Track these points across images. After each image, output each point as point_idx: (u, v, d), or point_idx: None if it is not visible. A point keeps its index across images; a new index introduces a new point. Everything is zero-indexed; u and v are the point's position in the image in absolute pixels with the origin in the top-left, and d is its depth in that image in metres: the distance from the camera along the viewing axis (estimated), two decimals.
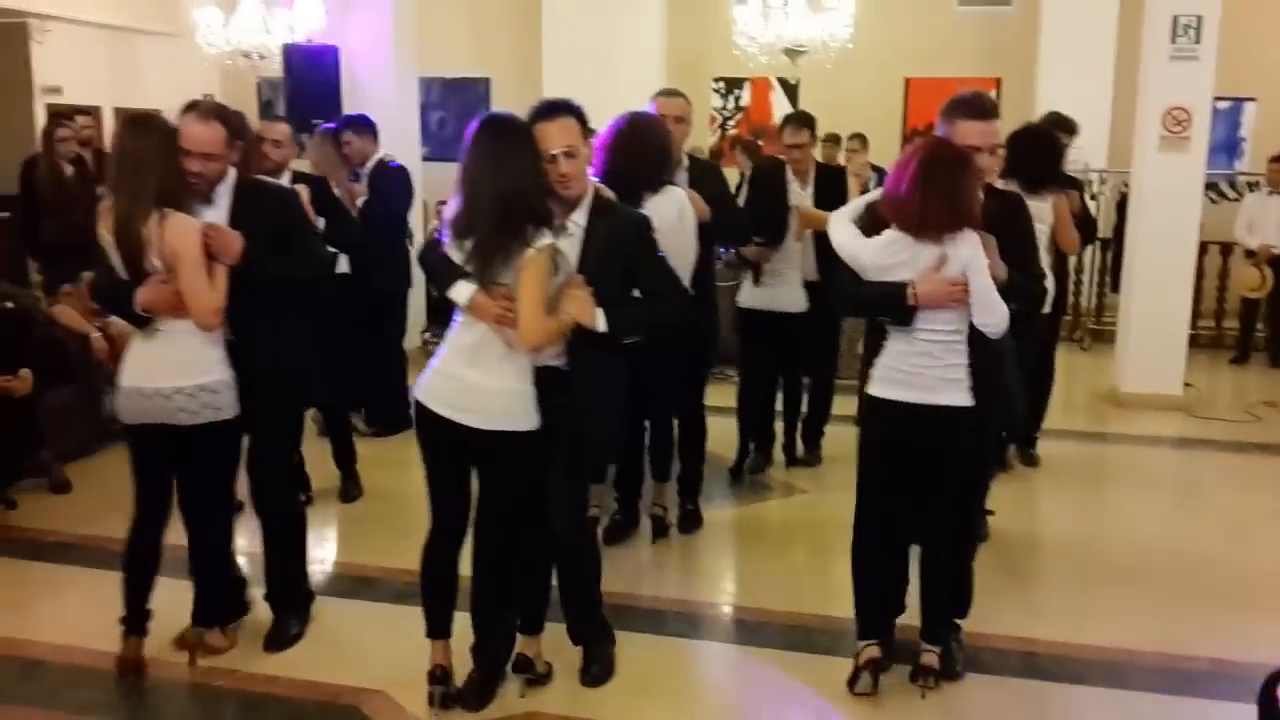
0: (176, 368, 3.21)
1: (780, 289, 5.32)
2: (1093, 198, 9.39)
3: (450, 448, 3.12)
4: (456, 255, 3.01)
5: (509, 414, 3.04)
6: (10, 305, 5.33)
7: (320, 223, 4.69)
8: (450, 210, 3.04)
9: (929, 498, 3.27)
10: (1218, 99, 7.42)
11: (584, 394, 3.09)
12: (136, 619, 3.40)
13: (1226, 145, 10.65)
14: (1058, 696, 3.40)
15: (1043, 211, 4.75)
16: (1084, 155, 9.98)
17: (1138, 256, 7.15)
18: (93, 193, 6.88)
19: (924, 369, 3.15)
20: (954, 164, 3.06)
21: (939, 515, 3.30)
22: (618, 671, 3.46)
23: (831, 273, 3.50)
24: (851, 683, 3.33)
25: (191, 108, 3.37)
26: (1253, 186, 9.22)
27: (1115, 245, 8.80)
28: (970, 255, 3.06)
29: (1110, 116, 10.13)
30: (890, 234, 3.13)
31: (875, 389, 3.24)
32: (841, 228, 3.28)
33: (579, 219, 3.16)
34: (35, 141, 7.26)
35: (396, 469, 5.44)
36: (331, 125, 5.94)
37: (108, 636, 3.53)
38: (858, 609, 3.41)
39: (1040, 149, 4.91)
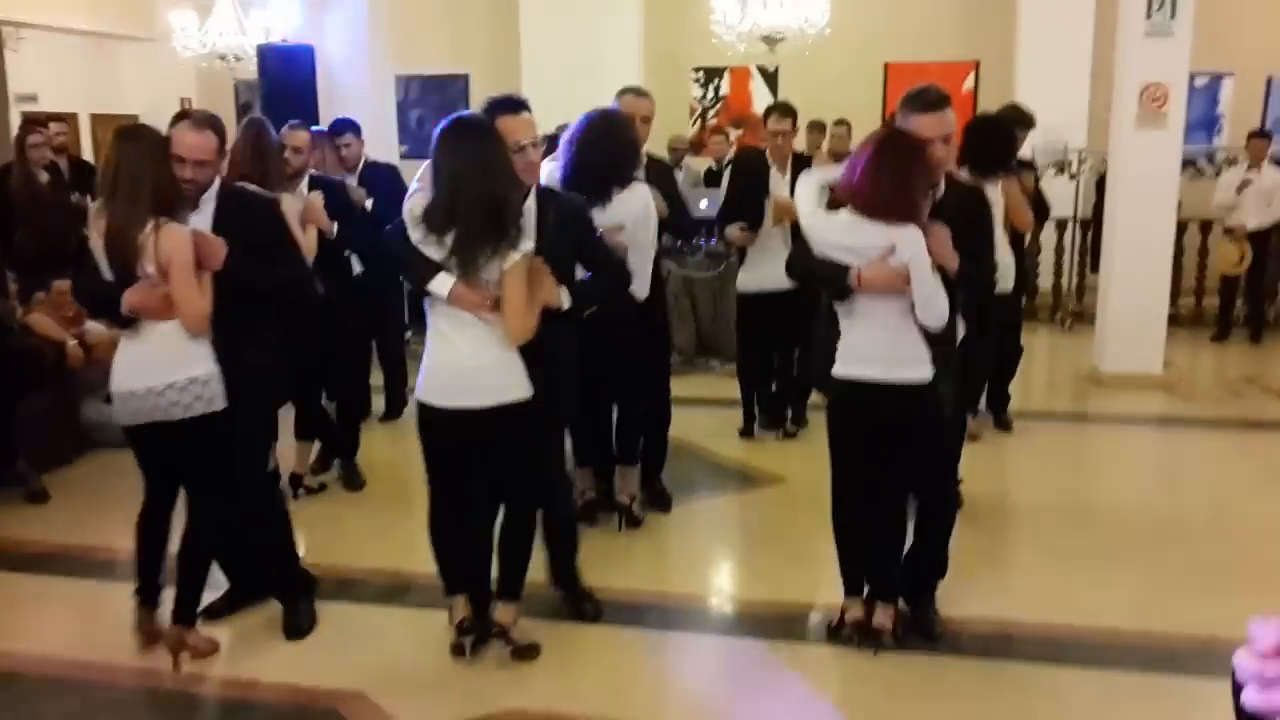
0: (165, 364, 3.26)
1: (769, 269, 5.41)
2: (1071, 177, 9.42)
3: (460, 441, 3.31)
4: (433, 250, 3.12)
5: (510, 384, 3.23)
6: None
7: (334, 226, 4.90)
8: (419, 204, 3.14)
9: (897, 466, 3.42)
10: (1195, 75, 7.42)
11: (551, 365, 3.34)
12: (149, 590, 3.53)
13: (1205, 121, 10.66)
14: (1039, 677, 3.39)
15: (993, 194, 4.89)
16: (1063, 136, 10.03)
17: (1117, 235, 7.15)
18: (67, 200, 6.86)
19: (882, 347, 3.29)
20: (906, 152, 3.21)
21: (904, 482, 3.49)
22: (600, 664, 3.47)
23: None
24: (835, 630, 3.55)
25: (182, 116, 3.46)
26: (1231, 162, 9.22)
27: (1095, 225, 8.81)
28: (914, 251, 3.17)
29: (1089, 96, 10.13)
30: (844, 214, 3.27)
31: (838, 369, 3.37)
32: (808, 196, 3.47)
33: (529, 205, 3.34)
34: (10, 150, 7.21)
35: (376, 468, 5.43)
36: (322, 129, 5.91)
37: (87, 646, 3.54)
38: (841, 569, 3.60)
39: (993, 137, 5.09)
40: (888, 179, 3.17)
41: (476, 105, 3.51)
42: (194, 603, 3.51)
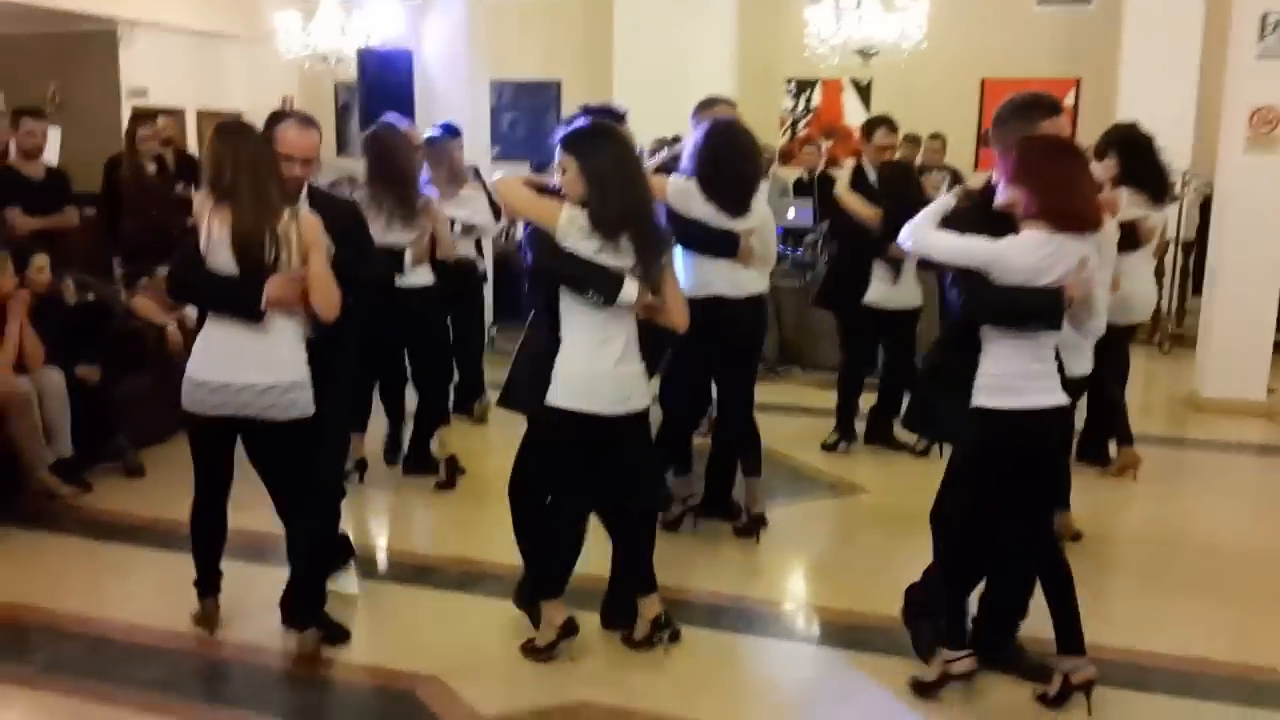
0: (270, 363, 3.26)
1: (904, 287, 5.63)
2: (1174, 199, 9.13)
3: (604, 445, 3.37)
4: (610, 258, 3.19)
5: (645, 392, 3.40)
6: (92, 297, 5.51)
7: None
8: (576, 215, 3.17)
9: (1041, 501, 3.28)
10: None
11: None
12: (207, 580, 3.59)
13: None
14: (1127, 703, 3.28)
15: (1158, 220, 5.18)
16: (1167, 157, 9.73)
17: (1222, 259, 6.93)
18: (172, 191, 7.09)
19: (1043, 371, 3.08)
20: (1078, 156, 3.10)
21: (1046, 517, 3.35)
22: (674, 664, 3.46)
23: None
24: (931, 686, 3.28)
25: (280, 116, 3.54)
26: None
27: (1198, 247, 8.54)
28: (1099, 259, 3.10)
29: (1195, 117, 9.84)
30: (1036, 234, 2.98)
31: (991, 400, 3.07)
32: (938, 233, 3.11)
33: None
34: (121, 142, 7.48)
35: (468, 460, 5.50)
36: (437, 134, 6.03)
37: (175, 616, 3.63)
38: (955, 617, 3.29)
39: (1156, 157, 5.25)
40: (1077, 187, 3.00)
41: (570, 111, 3.58)
42: (317, 604, 3.54)
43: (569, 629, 3.45)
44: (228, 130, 3.32)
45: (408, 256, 4.92)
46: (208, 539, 3.55)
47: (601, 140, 3.27)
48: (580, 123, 3.38)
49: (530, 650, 3.46)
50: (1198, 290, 8.07)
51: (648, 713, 3.20)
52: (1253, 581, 4.25)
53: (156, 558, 4.30)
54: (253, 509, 3.62)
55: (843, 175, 5.54)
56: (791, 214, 8.18)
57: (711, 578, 4.20)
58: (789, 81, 11.67)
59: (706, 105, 4.65)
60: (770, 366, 7.67)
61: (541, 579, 3.49)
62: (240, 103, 11.79)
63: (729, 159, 4.20)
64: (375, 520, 4.99)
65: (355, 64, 8.95)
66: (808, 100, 11.72)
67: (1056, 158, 3.01)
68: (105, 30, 10.70)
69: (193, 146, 10.32)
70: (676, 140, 4.89)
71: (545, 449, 3.37)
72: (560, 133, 3.33)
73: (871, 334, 5.79)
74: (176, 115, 9.39)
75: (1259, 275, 6.78)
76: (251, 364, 3.25)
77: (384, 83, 8.62)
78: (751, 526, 4.55)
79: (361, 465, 5.24)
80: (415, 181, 5.03)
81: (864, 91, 11.35)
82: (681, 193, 4.18)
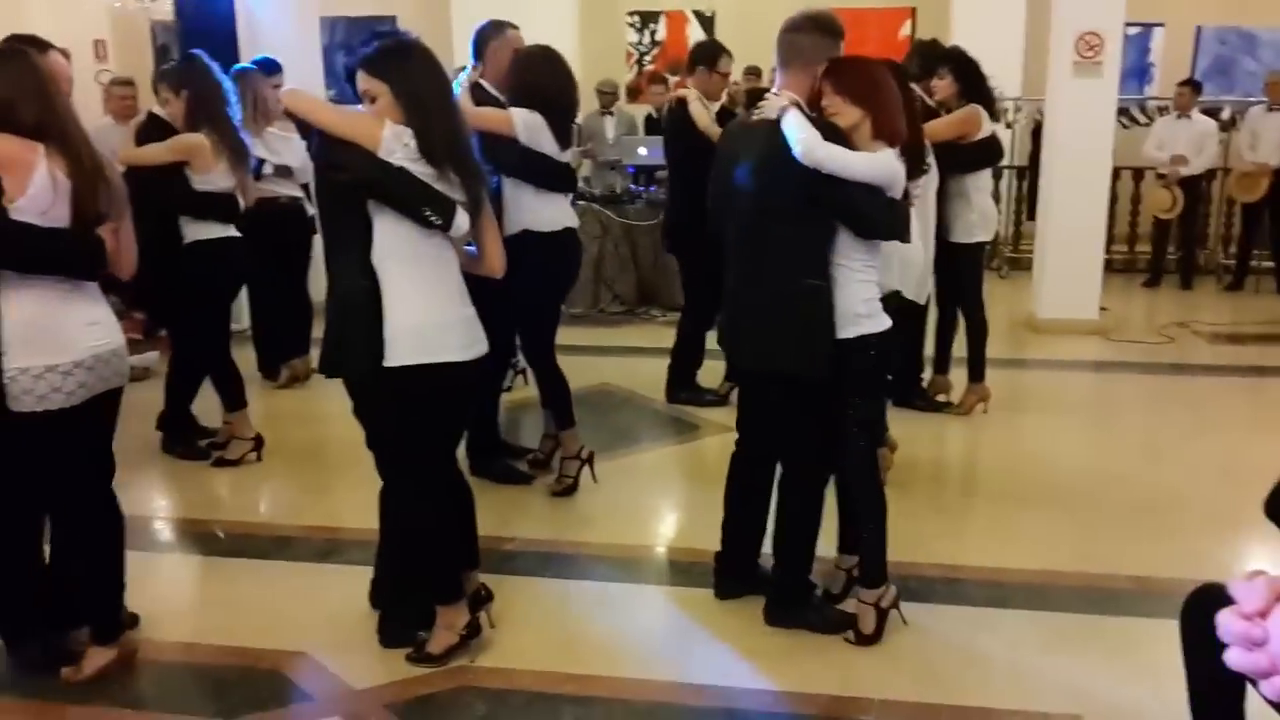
0: (113, 325, 3.09)
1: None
2: (1008, 125, 9.44)
3: (464, 395, 3.13)
4: (443, 187, 2.87)
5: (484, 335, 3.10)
6: None
7: None
8: (404, 130, 2.82)
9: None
10: (1127, 24, 7.45)
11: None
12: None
13: (1136, 71, 10.76)
14: (983, 620, 3.41)
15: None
16: (998, 84, 10.01)
17: (1053, 183, 7.20)
18: None
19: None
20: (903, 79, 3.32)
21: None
22: (546, 620, 3.42)
23: None
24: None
25: (32, 40, 3.11)
26: (1162, 111, 9.33)
27: (1031, 173, 8.87)
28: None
29: (1024, 44, 10.15)
30: (889, 151, 3.06)
31: (871, 326, 3.11)
32: (835, 147, 2.97)
33: None
34: None
35: (307, 424, 5.29)
36: (250, 67, 5.69)
37: None
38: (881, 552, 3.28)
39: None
40: (903, 108, 3.19)
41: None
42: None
43: (473, 631, 3.17)
44: (13, 54, 2.88)
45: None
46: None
47: (416, 60, 2.89)
48: (385, 41, 2.93)
49: (422, 659, 3.13)
50: (1031, 215, 8.39)
51: (526, 670, 3.15)
52: (1095, 493, 4.47)
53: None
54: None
55: (695, 104, 5.21)
56: (643, 151, 8.09)
57: (576, 527, 4.17)
58: (631, 14, 11.52)
59: (496, 30, 4.30)
60: (629, 308, 7.65)
61: (441, 576, 3.15)
62: None
63: (565, 89, 4.16)
64: (226, 492, 4.76)
65: (172, 1, 8.37)
66: (652, 34, 11.59)
67: (891, 81, 3.12)
68: None
69: None
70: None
71: (394, 414, 2.97)
72: (358, 54, 2.88)
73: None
74: None
75: (1089, 198, 7.07)
76: (101, 329, 2.95)
77: (204, 21, 8.08)
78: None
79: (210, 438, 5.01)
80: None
81: (708, 23, 11.30)
82: (531, 126, 4.05)
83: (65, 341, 2.84)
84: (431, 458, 3.12)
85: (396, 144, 2.81)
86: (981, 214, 5.11)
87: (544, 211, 4.20)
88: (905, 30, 11.08)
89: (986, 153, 5.08)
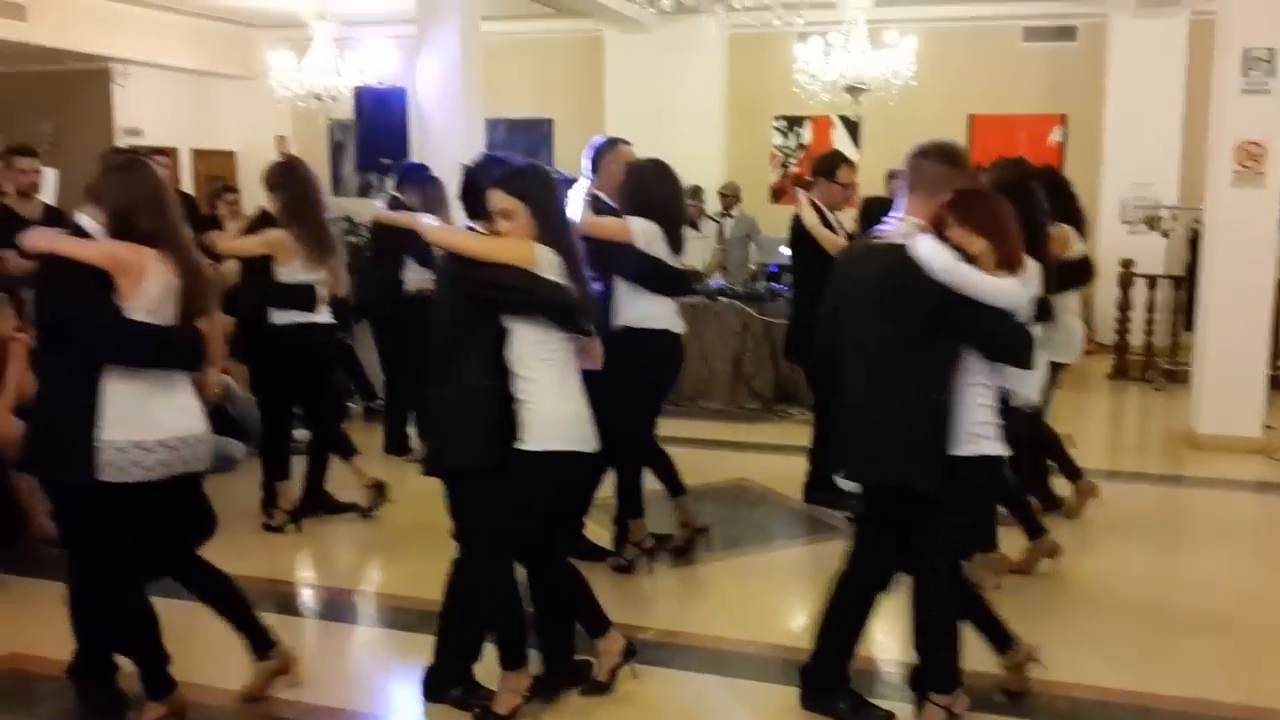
0: (197, 412, 3.38)
1: None
2: (1164, 234, 9.24)
3: (585, 481, 3.56)
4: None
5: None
6: None
7: None
8: (549, 252, 3.16)
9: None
10: None
11: None
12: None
13: None
14: None
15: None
16: (1153, 191, 9.85)
17: (1212, 294, 6.98)
18: None
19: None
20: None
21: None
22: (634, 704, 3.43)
23: None
24: None
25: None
26: None
27: (1188, 283, 8.61)
28: None
29: (1181, 152, 9.97)
30: (1011, 278, 3.11)
31: (990, 447, 3.16)
32: (968, 267, 3.06)
33: None
34: None
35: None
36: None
37: (179, 663, 3.58)
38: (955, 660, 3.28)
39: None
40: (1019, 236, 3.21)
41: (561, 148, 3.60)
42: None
43: (534, 689, 3.35)
44: (132, 165, 3.26)
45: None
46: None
47: (545, 180, 3.26)
48: (517, 164, 3.29)
49: (488, 718, 3.28)
50: (1189, 326, 8.12)
51: None
52: (1255, 621, 4.25)
53: (157, 605, 4.24)
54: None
55: (806, 211, 5.30)
56: (786, 251, 8.20)
57: (697, 620, 4.19)
58: (778, 118, 11.78)
59: (610, 146, 4.57)
60: (767, 405, 7.69)
61: (511, 645, 3.32)
62: (234, 141, 11.84)
63: (675, 199, 4.53)
64: (319, 559, 4.97)
65: (349, 102, 9.00)
66: (798, 138, 11.82)
67: (1008, 212, 3.17)
68: (99, 69, 10.76)
69: (188, 185, 10.35)
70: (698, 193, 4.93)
71: (526, 498, 3.22)
72: (490, 175, 3.22)
73: None
74: (171, 154, 9.41)
75: (1250, 310, 6.82)
76: (187, 415, 3.23)
77: (379, 121, 8.68)
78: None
79: (296, 513, 5.29)
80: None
81: (853, 128, 11.45)
82: (647, 234, 4.31)
83: (153, 422, 3.11)
84: (526, 545, 3.33)
85: (546, 261, 3.13)
86: (1066, 333, 4.96)
87: (651, 311, 4.42)
88: (1056, 136, 11.00)
89: (1076, 273, 4.94)
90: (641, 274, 4.32)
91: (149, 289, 3.08)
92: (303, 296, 5.05)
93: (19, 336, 4.85)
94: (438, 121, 8.22)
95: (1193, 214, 8.77)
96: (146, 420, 3.08)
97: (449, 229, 3.39)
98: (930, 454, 3.08)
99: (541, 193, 3.20)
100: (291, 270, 5.00)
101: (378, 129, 8.53)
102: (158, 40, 10.80)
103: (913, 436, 3.10)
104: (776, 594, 4.59)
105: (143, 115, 11.21)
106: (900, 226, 3.18)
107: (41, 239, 3.11)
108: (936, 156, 3.24)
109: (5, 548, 4.59)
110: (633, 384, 4.31)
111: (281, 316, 5.06)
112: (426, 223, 3.50)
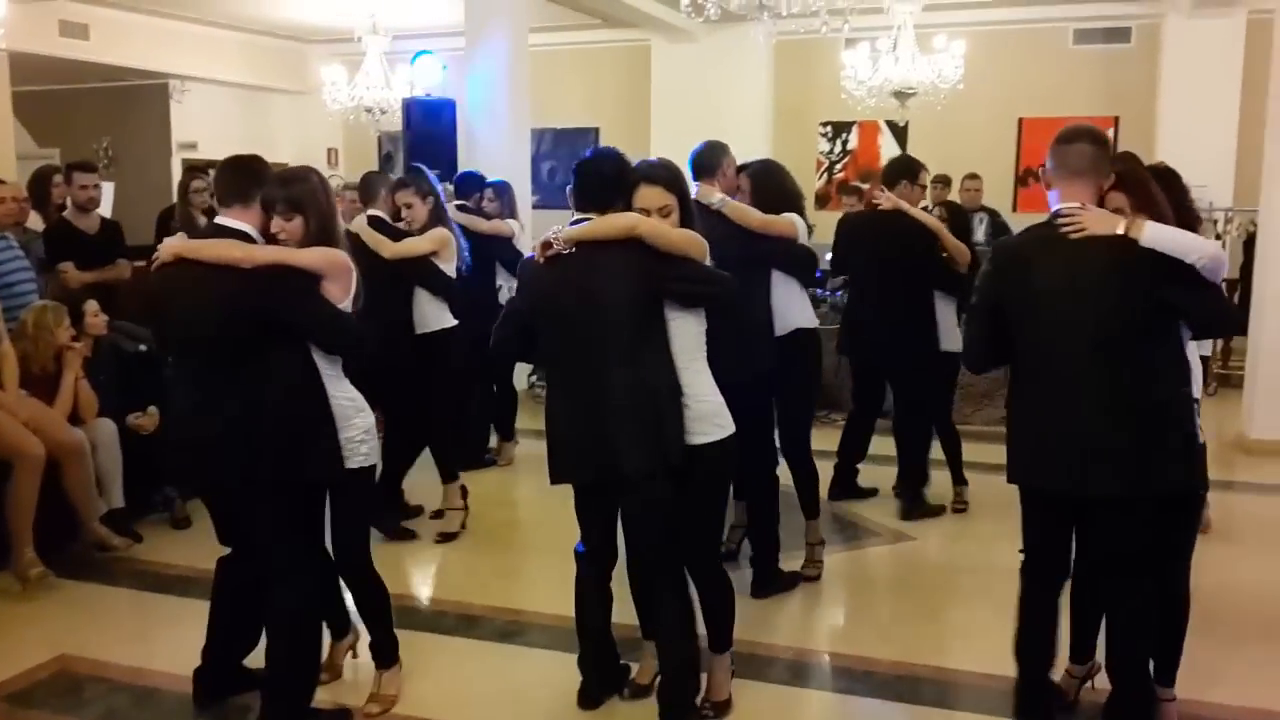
0: None
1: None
2: (1218, 237, 9.05)
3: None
4: None
5: None
6: (143, 348, 5.62)
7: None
8: None
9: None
10: None
11: None
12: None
13: None
14: None
15: None
16: (1208, 194, 9.65)
17: (1267, 297, 6.85)
18: None
19: None
20: None
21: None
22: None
23: None
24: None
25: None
26: None
27: (1243, 285, 8.43)
28: None
29: (1236, 153, 9.77)
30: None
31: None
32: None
33: None
34: (172, 194, 7.66)
35: (501, 507, 5.52)
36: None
37: None
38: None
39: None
40: None
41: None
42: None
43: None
44: (312, 174, 3.35)
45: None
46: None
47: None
48: (661, 160, 3.43)
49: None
50: (1243, 330, 7.95)
51: None
52: None
53: (203, 608, 4.33)
54: None
55: (920, 213, 5.29)
56: (830, 257, 8.17)
57: (757, 628, 4.18)
58: (824, 124, 11.75)
59: (723, 148, 4.49)
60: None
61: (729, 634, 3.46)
62: (287, 154, 12.03)
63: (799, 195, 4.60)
64: (416, 570, 5.02)
65: (398, 115, 9.13)
66: (844, 143, 11.77)
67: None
68: (157, 85, 11.03)
69: None
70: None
71: (725, 485, 3.40)
72: (645, 173, 3.30)
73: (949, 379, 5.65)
74: None
75: None
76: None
77: (428, 132, 8.80)
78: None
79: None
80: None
81: (900, 133, 11.38)
82: (802, 228, 4.43)
83: (361, 413, 3.34)
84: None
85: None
86: None
87: (807, 309, 4.54)
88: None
89: None
90: (803, 266, 4.47)
91: (353, 288, 3.26)
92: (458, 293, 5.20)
93: (75, 346, 4.97)
94: (484, 132, 8.32)
95: (1248, 215, 8.60)
96: (357, 412, 3.32)
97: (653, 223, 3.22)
98: (1188, 449, 3.06)
99: (686, 187, 3.36)
100: (448, 269, 5.13)
101: (427, 140, 8.63)
102: (214, 56, 11.06)
103: (1176, 436, 3.02)
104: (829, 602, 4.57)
105: (199, 129, 11.46)
106: (1094, 213, 3.00)
107: (236, 248, 3.18)
108: (1089, 139, 3.11)
109: (57, 552, 4.69)
110: (810, 385, 4.59)
111: (443, 319, 5.15)
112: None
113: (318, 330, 3.22)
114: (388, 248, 4.96)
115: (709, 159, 4.36)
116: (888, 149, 11.33)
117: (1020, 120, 10.99)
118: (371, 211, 5.16)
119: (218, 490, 3.39)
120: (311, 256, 3.17)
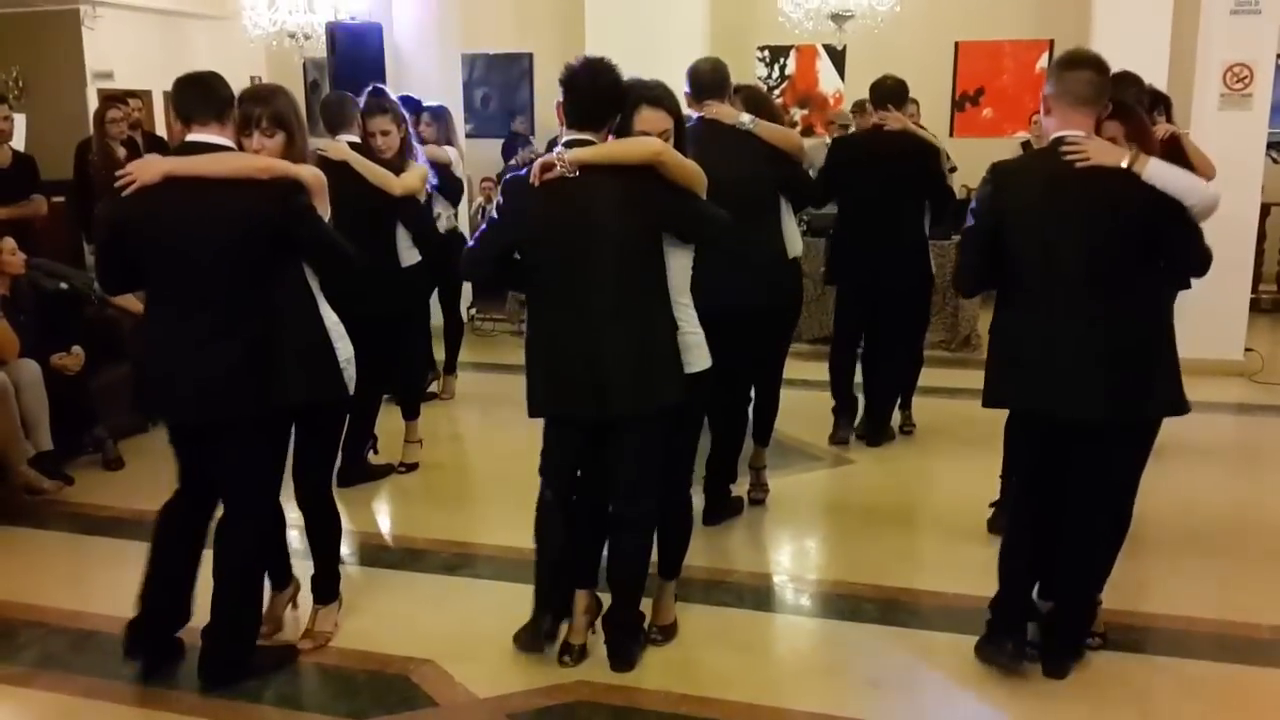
0: None
1: None
2: None
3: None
4: None
5: None
6: (64, 286, 5.44)
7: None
8: None
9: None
10: (1279, 55, 7.18)
11: None
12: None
13: None
14: (1116, 666, 3.32)
15: None
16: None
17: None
18: None
19: None
20: None
21: None
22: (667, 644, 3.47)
23: None
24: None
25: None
26: None
27: None
28: None
29: (1168, 75, 9.84)
30: None
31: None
32: None
33: None
34: (88, 126, 7.36)
35: (446, 442, 5.47)
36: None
37: None
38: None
39: None
40: None
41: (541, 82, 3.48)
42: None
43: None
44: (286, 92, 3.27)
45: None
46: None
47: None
48: (654, 81, 3.36)
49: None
50: None
51: (647, 689, 3.20)
52: (1236, 540, 4.30)
53: (139, 549, 4.23)
54: None
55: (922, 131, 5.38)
56: None
57: (704, 553, 4.21)
58: (762, 49, 11.60)
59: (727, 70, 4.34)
60: None
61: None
62: None
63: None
64: (363, 506, 4.97)
65: (323, 41, 8.82)
66: (782, 68, 11.65)
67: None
68: (68, 10, 10.51)
69: (161, 128, 10.18)
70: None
71: (692, 419, 3.37)
72: (638, 93, 3.22)
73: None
74: (144, 97, 9.21)
75: (1236, 234, 6.77)
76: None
77: (354, 58, 8.50)
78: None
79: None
80: None
81: (838, 57, 11.29)
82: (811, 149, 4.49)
83: (337, 336, 3.26)
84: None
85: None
86: None
87: (799, 236, 4.42)
88: (1043, 63, 10.86)
89: None
90: (813, 194, 4.50)
91: (328, 213, 3.17)
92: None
93: None
94: (413, 58, 8.09)
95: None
96: (340, 338, 3.26)
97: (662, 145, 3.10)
98: (1173, 373, 3.12)
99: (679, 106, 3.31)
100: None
101: (353, 66, 8.33)
102: None
103: (1163, 360, 3.09)
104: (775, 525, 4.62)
105: (114, 58, 10.96)
106: (1098, 143, 2.99)
107: (256, 160, 3.05)
108: (1094, 67, 3.04)
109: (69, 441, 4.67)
110: (798, 313, 4.55)
111: (412, 254, 4.97)
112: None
113: (320, 248, 3.13)
114: (395, 183, 4.65)
115: (719, 76, 4.11)
116: (826, 75, 11.25)
117: (956, 44, 10.95)
118: (349, 137, 4.75)
119: (209, 428, 3.12)
120: (307, 173, 3.08)
